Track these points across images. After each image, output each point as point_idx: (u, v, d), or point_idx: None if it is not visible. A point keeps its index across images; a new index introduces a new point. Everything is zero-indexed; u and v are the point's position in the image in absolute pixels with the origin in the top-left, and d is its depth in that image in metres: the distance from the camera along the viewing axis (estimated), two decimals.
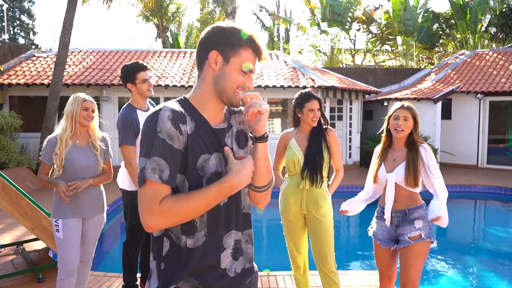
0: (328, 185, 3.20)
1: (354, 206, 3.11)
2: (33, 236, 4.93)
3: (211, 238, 1.30)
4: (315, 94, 3.19)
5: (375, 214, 2.98)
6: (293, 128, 3.31)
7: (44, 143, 3.04)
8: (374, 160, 2.98)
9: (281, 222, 3.30)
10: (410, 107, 2.81)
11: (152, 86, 3.42)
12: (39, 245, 4.96)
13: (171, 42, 21.22)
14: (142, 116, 3.37)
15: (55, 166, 3.01)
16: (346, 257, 5.53)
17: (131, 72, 3.32)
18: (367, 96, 13.76)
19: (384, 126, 2.91)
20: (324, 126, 3.20)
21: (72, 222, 2.98)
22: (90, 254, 3.20)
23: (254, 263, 1.47)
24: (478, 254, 6.04)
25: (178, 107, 1.27)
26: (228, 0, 20.88)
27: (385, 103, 13.11)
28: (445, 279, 4.83)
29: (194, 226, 1.29)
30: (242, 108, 1.45)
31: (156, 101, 11.20)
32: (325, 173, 3.13)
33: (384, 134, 2.93)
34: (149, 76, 3.40)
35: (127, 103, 3.46)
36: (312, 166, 3.08)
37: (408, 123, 2.77)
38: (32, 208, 3.94)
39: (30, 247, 4.94)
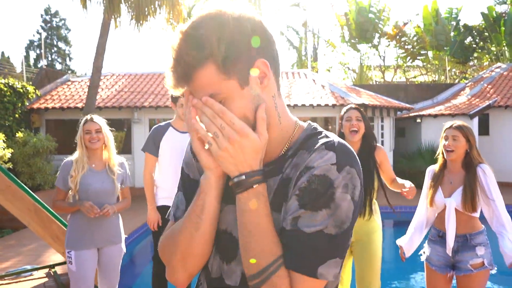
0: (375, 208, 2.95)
1: (411, 245, 2.83)
2: (65, 259, 4.95)
3: None
4: (357, 107, 2.95)
5: (429, 237, 2.80)
6: None
7: (60, 167, 2.94)
8: (427, 182, 2.82)
9: None
10: (459, 125, 2.66)
11: None
12: None
13: None
14: (172, 135, 3.45)
15: (70, 192, 2.88)
16: (386, 283, 5.26)
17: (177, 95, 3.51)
18: (398, 113, 13.44)
19: (440, 148, 2.77)
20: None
21: (86, 253, 2.82)
22: (114, 287, 3.05)
23: None
24: None
25: None
26: None
27: (418, 120, 12.75)
28: None
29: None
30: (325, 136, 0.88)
31: None
32: (374, 197, 2.85)
33: (440, 156, 2.79)
34: None
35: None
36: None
37: (458, 142, 2.62)
38: (63, 232, 3.95)
39: (62, 270, 4.96)
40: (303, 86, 12.84)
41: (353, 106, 2.94)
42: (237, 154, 0.79)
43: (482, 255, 2.53)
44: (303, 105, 11.19)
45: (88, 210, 2.72)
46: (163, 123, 3.56)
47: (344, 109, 2.95)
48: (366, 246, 2.85)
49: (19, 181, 3.94)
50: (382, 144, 12.62)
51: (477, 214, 2.60)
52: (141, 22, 9.85)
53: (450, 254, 2.61)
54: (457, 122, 2.72)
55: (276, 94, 0.87)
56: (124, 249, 3.07)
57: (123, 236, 3.06)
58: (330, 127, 12.62)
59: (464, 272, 2.56)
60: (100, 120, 2.98)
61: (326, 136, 0.86)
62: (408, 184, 2.83)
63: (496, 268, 2.59)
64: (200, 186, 0.86)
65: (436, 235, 2.72)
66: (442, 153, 2.74)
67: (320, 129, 0.91)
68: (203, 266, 0.92)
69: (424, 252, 2.82)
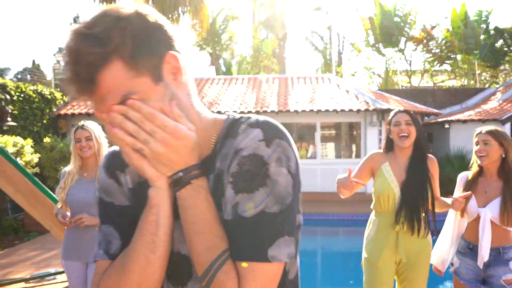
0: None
1: (443, 262, 2.68)
2: None
3: None
4: (406, 110, 2.66)
5: (458, 249, 2.62)
6: (383, 150, 2.70)
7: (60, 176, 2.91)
8: (459, 190, 2.64)
9: (364, 269, 2.66)
10: (491, 130, 2.49)
11: None
12: None
13: (223, 70, 21.72)
14: None
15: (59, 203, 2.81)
16: None
17: None
18: (426, 118, 13.10)
19: (473, 156, 2.61)
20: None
21: (73, 265, 2.73)
22: None
23: None
24: None
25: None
26: (279, 25, 21.11)
27: (446, 125, 12.38)
28: None
29: None
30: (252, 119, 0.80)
31: None
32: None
33: (475, 164, 2.61)
34: None
35: None
36: (413, 208, 2.44)
37: (490, 147, 2.45)
38: None
39: None
40: (327, 91, 12.68)
41: (402, 109, 2.67)
42: (173, 156, 0.72)
43: None
44: (327, 110, 11.04)
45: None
46: None
47: (392, 113, 2.67)
48: (414, 269, 2.54)
49: (43, 185, 3.97)
50: None
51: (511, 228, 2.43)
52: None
53: (481, 267, 2.44)
54: (489, 127, 2.56)
55: (191, 92, 0.80)
56: None
57: None
58: (355, 132, 12.40)
59: (496, 287, 2.39)
60: (91, 127, 2.85)
61: (248, 118, 0.80)
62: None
63: None
64: (150, 201, 0.75)
65: (466, 247, 2.55)
66: (477, 161, 2.58)
67: (240, 115, 0.84)
68: None
69: (452, 264, 2.66)
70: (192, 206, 0.73)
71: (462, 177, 2.68)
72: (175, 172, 0.74)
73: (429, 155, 2.63)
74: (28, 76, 28.30)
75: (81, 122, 2.86)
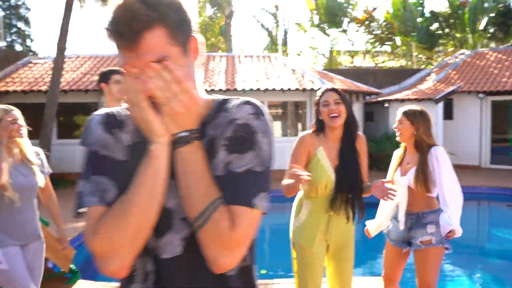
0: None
1: (375, 226, 2.97)
2: None
3: None
4: (335, 87, 2.51)
5: (393, 215, 2.93)
6: (313, 131, 2.51)
7: None
8: (392, 164, 2.98)
9: (296, 255, 2.51)
10: (405, 111, 2.82)
11: None
12: None
13: None
14: None
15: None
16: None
17: (107, 74, 3.18)
18: (367, 97, 13.68)
19: None
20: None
21: (13, 250, 2.56)
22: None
23: None
24: (483, 256, 5.94)
25: (118, 111, 0.97)
26: (225, 3, 20.83)
27: (386, 104, 13.02)
28: (450, 283, 4.72)
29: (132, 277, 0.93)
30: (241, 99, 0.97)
31: None
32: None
33: None
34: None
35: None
36: (349, 193, 2.38)
37: (402, 125, 2.79)
38: None
39: None
40: (273, 70, 12.82)
41: (329, 87, 2.50)
42: (186, 118, 0.86)
43: (432, 233, 2.66)
44: (274, 89, 11.20)
45: None
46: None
47: (319, 92, 2.50)
48: (344, 249, 2.54)
49: None
50: None
51: (433, 194, 2.72)
52: (106, 2, 9.52)
53: (401, 229, 2.75)
54: (407, 107, 2.86)
55: (196, 75, 0.95)
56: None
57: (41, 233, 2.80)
58: (300, 111, 12.71)
59: (415, 247, 2.71)
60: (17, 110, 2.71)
61: (238, 98, 0.97)
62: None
63: (449, 248, 2.70)
64: (152, 154, 0.86)
65: (397, 213, 2.86)
66: None
67: (227, 97, 1.00)
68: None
69: (388, 227, 2.96)
70: (192, 160, 0.87)
71: (396, 153, 3.00)
72: (181, 131, 0.87)
73: (358, 133, 2.54)
74: None
75: (3, 106, 2.65)
